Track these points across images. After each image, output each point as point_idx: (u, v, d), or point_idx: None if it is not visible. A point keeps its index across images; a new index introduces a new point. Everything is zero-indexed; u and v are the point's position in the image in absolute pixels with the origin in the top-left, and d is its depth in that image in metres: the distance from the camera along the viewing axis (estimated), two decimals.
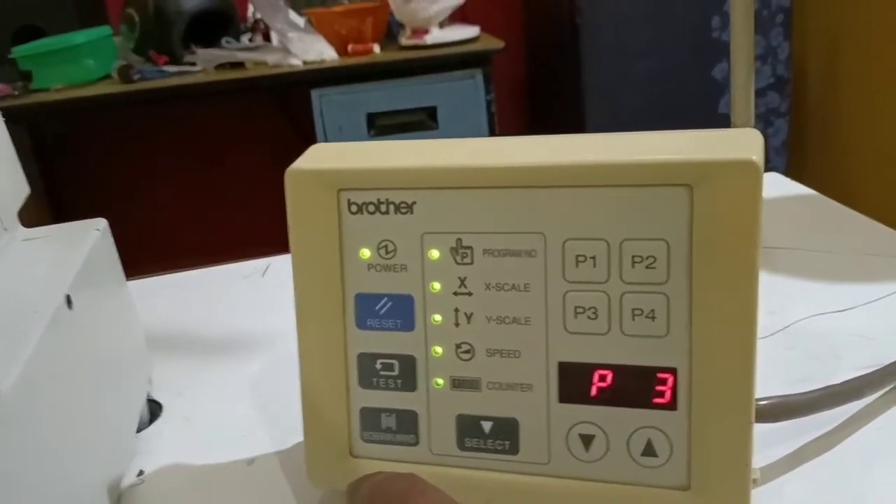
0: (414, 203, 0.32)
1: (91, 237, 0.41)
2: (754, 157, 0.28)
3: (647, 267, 0.30)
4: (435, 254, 0.32)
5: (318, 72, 1.96)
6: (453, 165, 0.31)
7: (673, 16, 2.19)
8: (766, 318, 0.48)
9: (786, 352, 0.45)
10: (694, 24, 2.19)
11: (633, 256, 0.30)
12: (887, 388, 0.40)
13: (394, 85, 1.99)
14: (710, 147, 0.29)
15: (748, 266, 0.28)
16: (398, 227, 0.32)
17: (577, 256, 0.30)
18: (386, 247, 0.33)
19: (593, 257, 0.30)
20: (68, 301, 0.35)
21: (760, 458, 0.35)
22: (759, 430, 0.30)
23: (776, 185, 0.71)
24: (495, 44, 2.06)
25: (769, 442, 0.37)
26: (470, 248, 0.32)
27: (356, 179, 0.32)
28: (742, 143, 0.29)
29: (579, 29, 2.18)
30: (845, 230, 0.61)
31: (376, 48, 2.03)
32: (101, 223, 0.43)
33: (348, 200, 0.33)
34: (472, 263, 0.32)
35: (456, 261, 0.32)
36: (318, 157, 0.34)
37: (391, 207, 0.32)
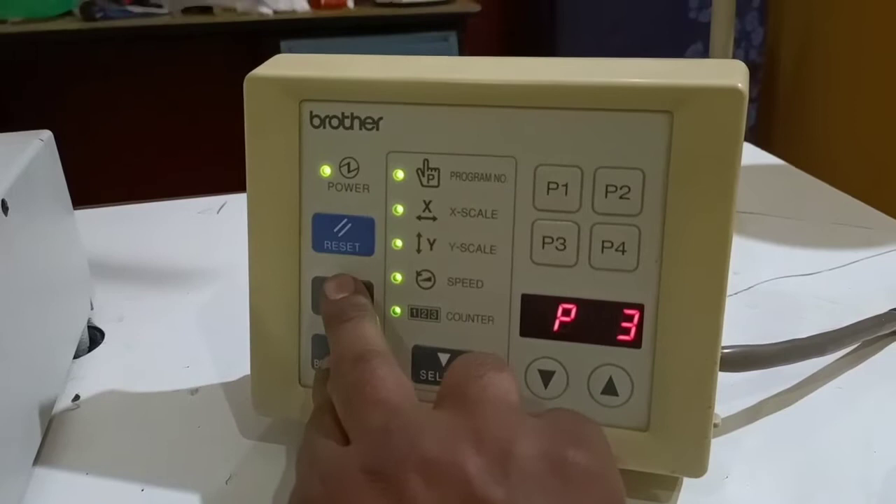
0: (380, 119, 0.30)
1: (33, 146, 0.38)
2: (739, 85, 0.26)
3: (620, 197, 0.28)
4: (400, 174, 0.30)
5: (289, 22, 1.91)
6: (424, 79, 0.29)
7: None
8: (731, 277, 0.47)
9: (749, 310, 0.45)
10: (671, 3, 2.18)
11: (606, 185, 0.28)
12: (851, 348, 0.39)
13: (365, 41, 1.95)
14: (693, 73, 0.28)
15: (725, 200, 0.27)
16: (362, 143, 0.30)
17: (549, 183, 0.29)
18: (348, 164, 0.31)
19: (565, 185, 0.29)
20: (3, 207, 0.33)
21: (720, 409, 0.34)
22: (720, 382, 0.30)
23: (747, 154, 0.70)
24: (471, 7, 2.03)
25: (729, 395, 0.36)
26: (437, 169, 0.30)
27: (320, 90, 0.30)
28: (726, 71, 0.28)
29: (557, 0, 2.15)
30: (814, 199, 0.61)
31: (350, 2, 1.99)
32: (44, 134, 0.40)
33: (311, 112, 0.31)
34: (438, 186, 0.30)
35: (422, 183, 0.30)
36: (281, 65, 0.32)
37: (356, 122, 0.30)
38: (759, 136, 2.22)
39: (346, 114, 0.30)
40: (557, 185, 0.29)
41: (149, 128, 2.30)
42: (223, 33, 2.01)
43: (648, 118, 0.27)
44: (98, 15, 1.90)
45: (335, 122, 0.30)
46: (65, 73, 2.20)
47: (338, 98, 0.30)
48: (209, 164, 2.11)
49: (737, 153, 0.27)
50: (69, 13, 1.96)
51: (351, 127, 0.30)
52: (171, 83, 2.25)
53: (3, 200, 0.33)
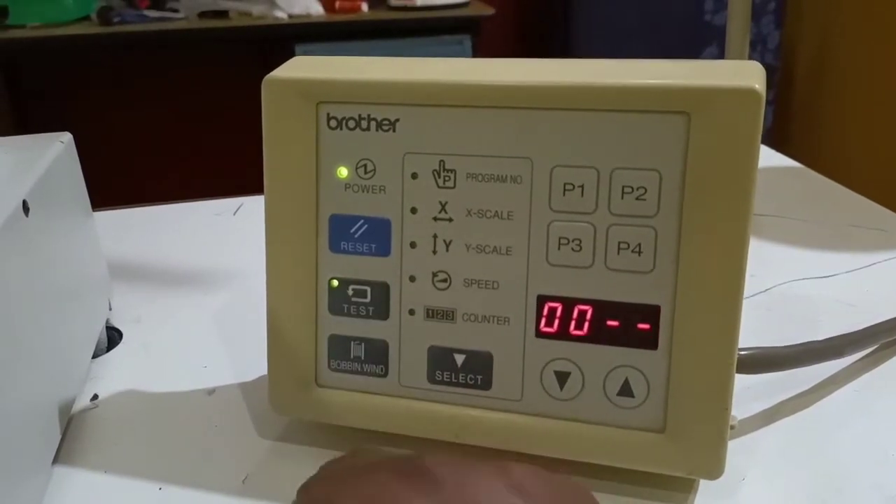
0: (397, 120, 0.30)
1: (54, 148, 0.39)
2: (757, 86, 0.26)
3: (636, 198, 0.28)
4: (416, 175, 0.30)
5: (304, 26, 1.92)
6: (440, 81, 0.29)
7: None
8: (747, 280, 0.47)
9: (765, 313, 0.45)
10: (687, 6, 2.18)
11: (623, 187, 0.28)
12: (868, 350, 0.39)
13: (380, 45, 1.96)
14: (710, 74, 0.28)
15: (742, 202, 0.27)
16: (379, 145, 0.31)
17: (565, 184, 0.29)
18: (365, 166, 0.31)
19: (581, 186, 0.29)
20: (24, 208, 0.33)
21: (736, 412, 0.34)
22: (736, 384, 0.30)
23: (763, 156, 0.69)
24: (485, 10, 2.03)
25: (746, 397, 0.36)
26: (453, 171, 0.30)
27: (337, 92, 0.30)
28: (743, 72, 0.28)
29: (570, 3, 2.15)
30: (830, 202, 0.60)
31: (364, 6, 2.00)
32: (65, 136, 0.41)
33: (328, 114, 0.31)
34: (454, 187, 0.30)
35: (438, 184, 0.30)
36: (299, 67, 0.32)
37: (373, 124, 0.30)
38: (775, 138, 2.21)
39: (363, 115, 0.31)
40: (573, 187, 0.29)
41: (165, 131, 2.32)
42: (239, 38, 2.02)
43: (665, 119, 0.27)
44: (115, 20, 1.91)
45: (352, 123, 0.31)
46: (82, 77, 2.22)
47: (354, 100, 0.30)
48: (226, 167, 2.13)
49: (754, 154, 0.27)
50: (86, 18, 1.98)
51: (368, 128, 0.31)
52: (187, 87, 2.27)
53: (24, 202, 0.33)
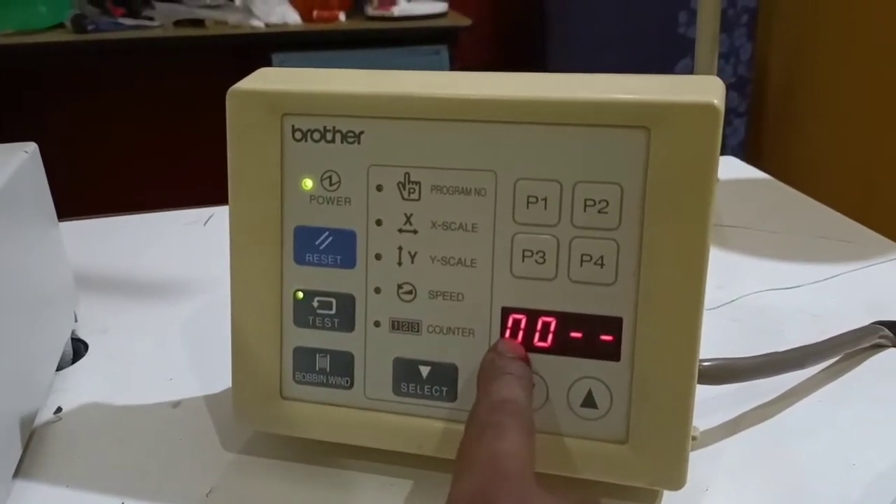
0: (362, 133, 0.30)
1: (18, 158, 0.38)
2: (715, 101, 0.27)
3: (599, 211, 0.29)
4: (381, 188, 0.30)
5: (281, 35, 1.92)
6: (405, 94, 0.30)
7: (641, 8, 2.19)
8: (714, 291, 0.47)
9: (731, 324, 0.45)
10: (661, 19, 2.20)
11: (585, 200, 0.29)
12: (830, 361, 0.39)
13: (357, 55, 1.96)
14: (670, 89, 0.28)
15: (701, 214, 0.27)
16: (344, 157, 0.31)
17: (529, 197, 0.29)
18: (330, 178, 0.31)
19: (545, 199, 0.29)
20: None
21: (700, 422, 0.34)
22: (700, 395, 0.30)
23: (732, 168, 0.71)
24: (462, 21, 2.04)
25: (709, 408, 0.36)
26: (418, 183, 0.30)
27: (302, 104, 0.31)
28: (703, 87, 0.28)
29: (547, 15, 2.17)
30: (798, 214, 0.61)
31: (342, 16, 2.00)
32: (30, 146, 0.40)
33: (293, 126, 0.31)
34: (419, 200, 0.30)
35: (403, 196, 0.30)
36: (264, 79, 0.32)
37: (338, 136, 0.31)
38: (747, 150, 2.23)
39: (328, 127, 0.31)
40: (537, 199, 0.29)
41: (140, 139, 2.30)
42: (215, 46, 2.01)
43: (626, 134, 0.28)
44: (89, 27, 1.89)
45: (317, 135, 0.31)
46: (55, 85, 2.20)
47: (319, 112, 0.30)
48: (199, 176, 2.12)
49: (713, 168, 0.27)
50: (60, 25, 1.96)
51: (332, 140, 0.31)
52: (162, 95, 2.26)
53: None
